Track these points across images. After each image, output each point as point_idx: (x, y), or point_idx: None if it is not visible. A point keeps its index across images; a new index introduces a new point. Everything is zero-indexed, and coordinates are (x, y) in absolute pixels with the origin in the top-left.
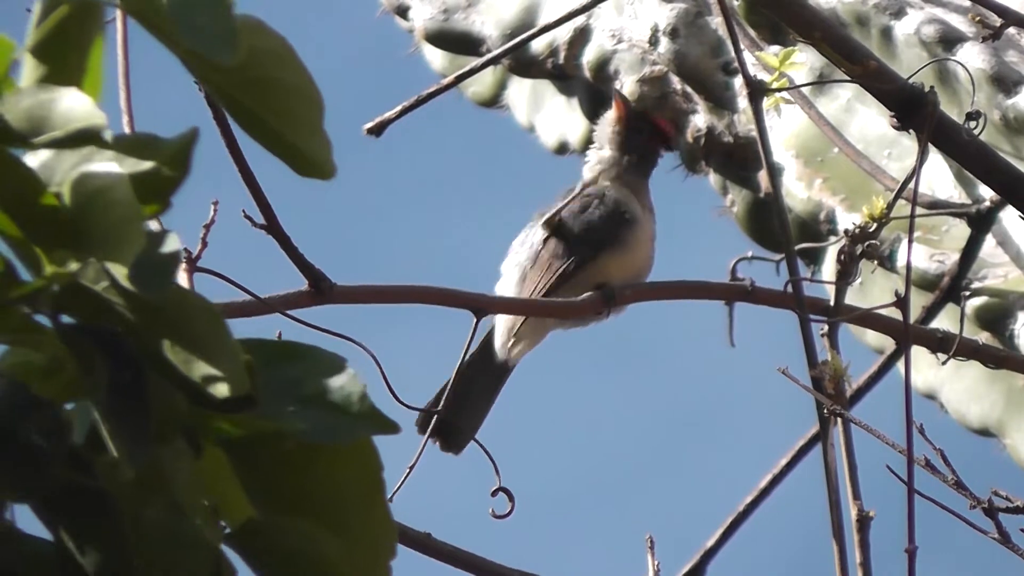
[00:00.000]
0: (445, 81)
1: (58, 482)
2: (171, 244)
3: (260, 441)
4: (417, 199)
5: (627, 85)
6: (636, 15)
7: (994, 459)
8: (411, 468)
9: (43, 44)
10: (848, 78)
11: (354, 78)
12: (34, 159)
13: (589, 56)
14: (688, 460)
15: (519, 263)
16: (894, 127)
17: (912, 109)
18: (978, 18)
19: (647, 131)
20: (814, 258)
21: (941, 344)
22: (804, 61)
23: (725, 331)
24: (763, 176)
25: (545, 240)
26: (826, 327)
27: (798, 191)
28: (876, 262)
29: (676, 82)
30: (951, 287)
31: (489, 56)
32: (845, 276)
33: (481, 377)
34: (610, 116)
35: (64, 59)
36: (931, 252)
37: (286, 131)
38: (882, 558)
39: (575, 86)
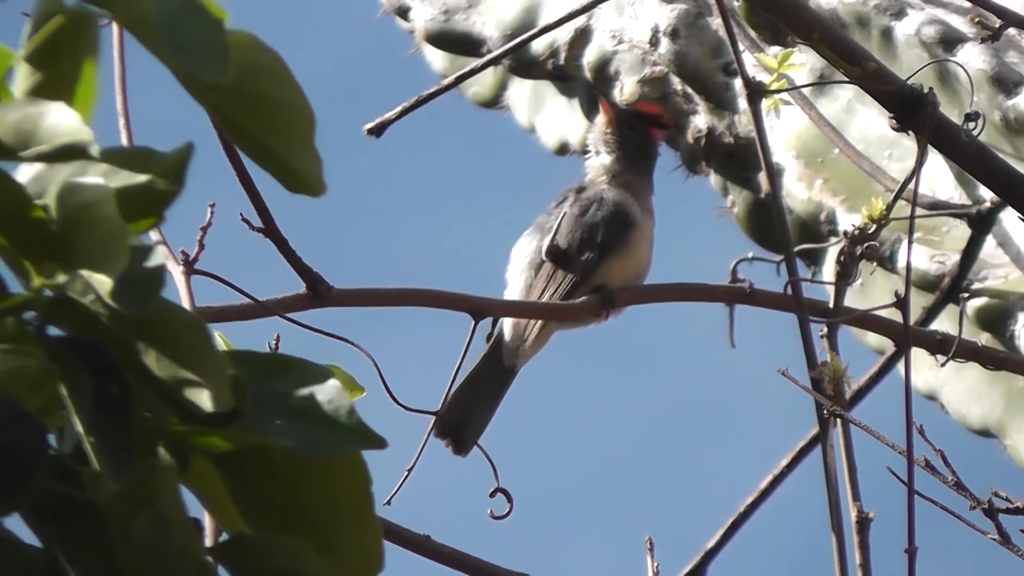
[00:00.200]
0: (445, 82)
1: (45, 493)
2: (156, 259)
3: (249, 455)
4: (417, 200)
5: (628, 86)
6: (637, 16)
7: (994, 460)
8: (409, 470)
9: (37, 54)
10: (847, 79)
11: (355, 79)
12: (25, 172)
13: (590, 57)
14: (688, 461)
15: (523, 270)
16: (893, 128)
17: (912, 110)
18: (977, 19)
19: (639, 128)
20: (815, 259)
21: (940, 346)
22: (804, 62)
23: (725, 332)
24: (763, 177)
25: (547, 252)
26: (826, 328)
27: (798, 192)
28: (876, 263)
29: (676, 83)
30: (951, 288)
31: (489, 57)
32: (845, 277)
33: (487, 380)
34: (600, 121)
35: (58, 69)
36: (931, 253)
37: (277, 147)
38: (882, 559)
39: (576, 87)
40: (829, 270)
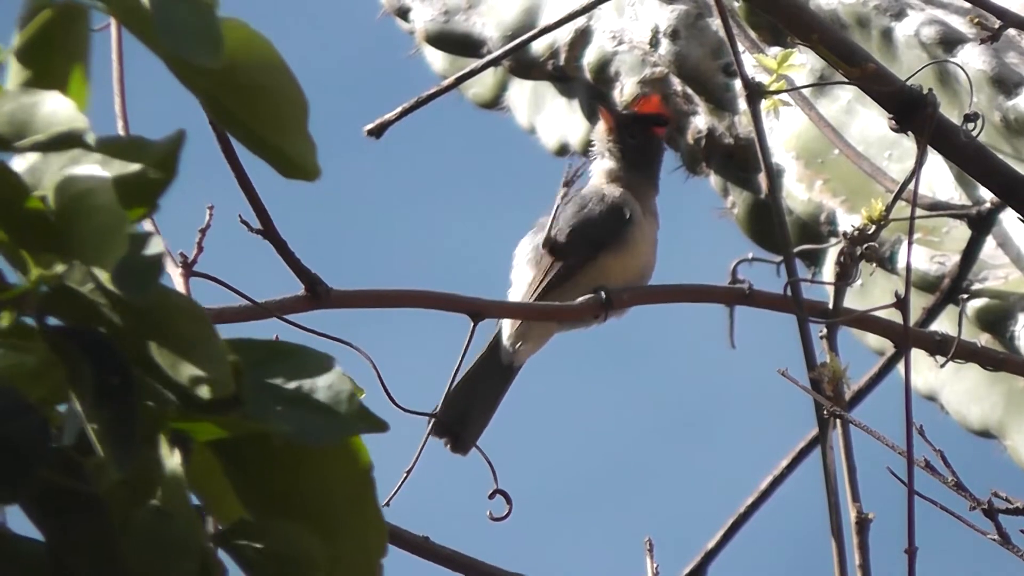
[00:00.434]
0: (446, 82)
1: (46, 484)
2: (154, 247)
3: (248, 442)
4: (417, 201)
5: (628, 87)
6: (637, 16)
7: (994, 460)
8: (408, 472)
9: (27, 48)
10: (847, 80)
11: (355, 79)
12: (21, 163)
13: (590, 57)
14: (688, 462)
15: (523, 269)
16: (893, 129)
17: (911, 111)
18: (977, 20)
19: (639, 133)
20: (815, 259)
21: (940, 346)
22: (803, 63)
23: (725, 333)
24: (763, 178)
25: (543, 244)
26: (825, 329)
27: (799, 192)
28: (876, 264)
29: (677, 84)
30: (951, 289)
31: (490, 57)
32: (844, 278)
33: (487, 379)
34: (600, 130)
35: (49, 63)
36: (931, 254)
37: (270, 133)
38: (882, 559)
39: (576, 88)
40: (829, 271)
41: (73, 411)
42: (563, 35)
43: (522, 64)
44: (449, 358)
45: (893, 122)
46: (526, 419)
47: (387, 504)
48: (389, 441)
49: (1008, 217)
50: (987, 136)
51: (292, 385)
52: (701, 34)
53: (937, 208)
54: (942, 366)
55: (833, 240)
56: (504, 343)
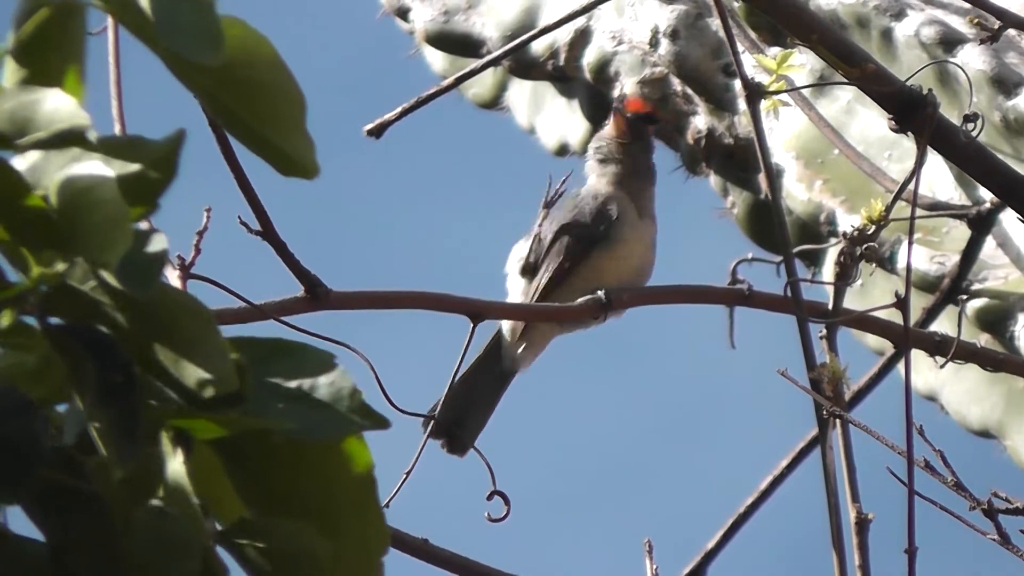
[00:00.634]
0: (445, 83)
1: (47, 483)
2: (158, 243)
3: (249, 439)
4: (417, 201)
5: (627, 87)
6: (636, 17)
7: (994, 460)
8: (408, 473)
9: (23, 46)
10: (846, 80)
11: (354, 79)
12: (21, 161)
13: (589, 58)
14: (687, 462)
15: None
16: (893, 130)
17: (911, 111)
18: (976, 20)
19: (640, 131)
20: (815, 260)
21: (939, 347)
22: (803, 63)
23: (725, 333)
24: (763, 178)
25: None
26: (825, 329)
27: (798, 193)
28: (876, 264)
29: (676, 84)
30: (951, 289)
31: (489, 58)
32: (844, 278)
33: (485, 382)
34: (608, 130)
35: (45, 62)
36: (931, 254)
37: (268, 131)
38: (882, 559)
39: (576, 88)
40: (829, 271)
41: (74, 410)
42: (563, 35)
43: (522, 64)
44: (448, 359)
45: (893, 122)
46: (525, 420)
47: (386, 506)
48: (388, 443)
49: (1008, 217)
50: (987, 136)
51: (293, 382)
52: (701, 34)
53: (937, 208)
54: (942, 366)
55: (833, 240)
56: (504, 348)
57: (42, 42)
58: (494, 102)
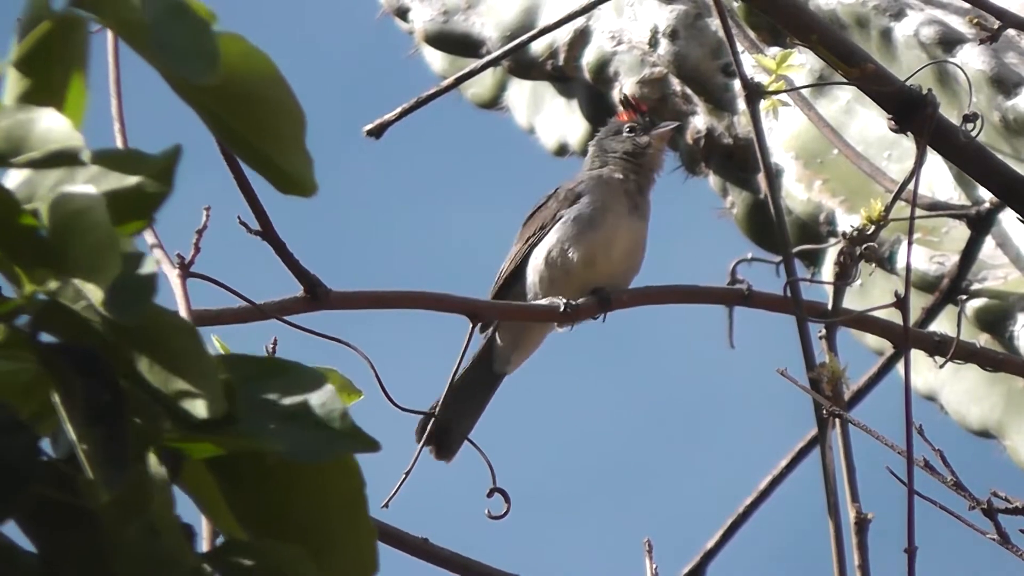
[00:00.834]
0: (445, 83)
1: (40, 499)
2: (148, 266)
3: (242, 459)
4: (416, 201)
5: (627, 86)
6: (636, 17)
7: (993, 460)
8: (407, 473)
9: (26, 59)
10: (846, 80)
11: (354, 79)
12: (13, 177)
13: (589, 58)
14: (687, 462)
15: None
16: (892, 130)
17: (911, 111)
18: (976, 20)
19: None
20: (814, 259)
21: (938, 347)
22: (803, 63)
23: (725, 333)
24: (762, 178)
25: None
26: (824, 329)
27: (798, 192)
28: (875, 264)
29: (676, 84)
30: (951, 289)
31: (489, 58)
32: (844, 278)
33: (475, 387)
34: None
35: (47, 74)
36: (931, 254)
37: (267, 149)
38: (881, 559)
39: (575, 88)
40: (828, 271)
41: (63, 431)
42: (562, 35)
43: (521, 64)
44: (448, 359)
45: (892, 122)
46: (526, 418)
47: (386, 505)
48: (387, 442)
49: (1007, 217)
50: (986, 136)
51: (285, 402)
52: (700, 34)
53: (936, 208)
54: (941, 366)
55: (832, 240)
56: (496, 350)
57: (44, 55)
58: (493, 102)
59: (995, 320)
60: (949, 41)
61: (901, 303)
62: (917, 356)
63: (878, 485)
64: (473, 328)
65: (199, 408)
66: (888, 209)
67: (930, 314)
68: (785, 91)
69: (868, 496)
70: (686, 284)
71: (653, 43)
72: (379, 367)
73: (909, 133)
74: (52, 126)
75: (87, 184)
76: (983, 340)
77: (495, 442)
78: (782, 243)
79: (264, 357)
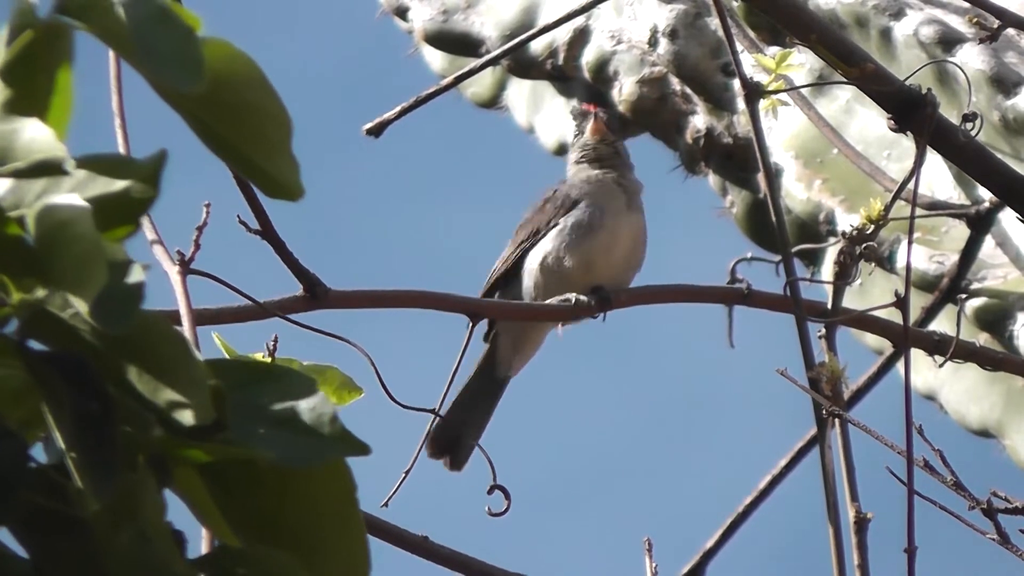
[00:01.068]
0: (444, 82)
1: (30, 507)
2: (135, 276)
3: (233, 465)
4: (416, 201)
5: (626, 86)
6: (635, 16)
7: (993, 460)
8: (407, 472)
9: (10, 68)
10: (845, 80)
11: (353, 79)
12: (0, 186)
13: (588, 57)
14: (686, 461)
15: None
16: (892, 129)
17: (910, 111)
18: (975, 19)
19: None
20: (814, 259)
21: (938, 346)
22: (802, 63)
23: (724, 332)
24: (761, 178)
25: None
26: (824, 328)
27: (798, 192)
28: (875, 263)
29: (675, 83)
30: (950, 288)
31: (488, 57)
32: (843, 277)
33: (481, 395)
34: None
35: (32, 82)
36: (931, 253)
37: (253, 153)
38: (881, 559)
39: (574, 87)
40: (828, 270)
41: (52, 435)
42: (562, 34)
43: (521, 63)
44: (447, 358)
45: (892, 122)
46: (526, 416)
47: (386, 504)
48: (388, 440)
49: (1007, 217)
50: (986, 136)
51: (275, 408)
52: (700, 34)
53: (936, 208)
54: (941, 366)
55: (832, 240)
56: (498, 357)
57: (28, 64)
58: (493, 101)
59: (995, 319)
60: (949, 40)
61: (901, 303)
62: (917, 355)
63: (878, 485)
64: (473, 328)
65: (188, 415)
66: (888, 208)
67: (930, 313)
68: (784, 91)
69: (868, 496)
70: (686, 283)
71: (653, 42)
72: (379, 366)
73: (909, 133)
74: (36, 136)
75: (73, 192)
76: (983, 339)
77: (496, 440)
78: (781, 243)
79: (253, 362)
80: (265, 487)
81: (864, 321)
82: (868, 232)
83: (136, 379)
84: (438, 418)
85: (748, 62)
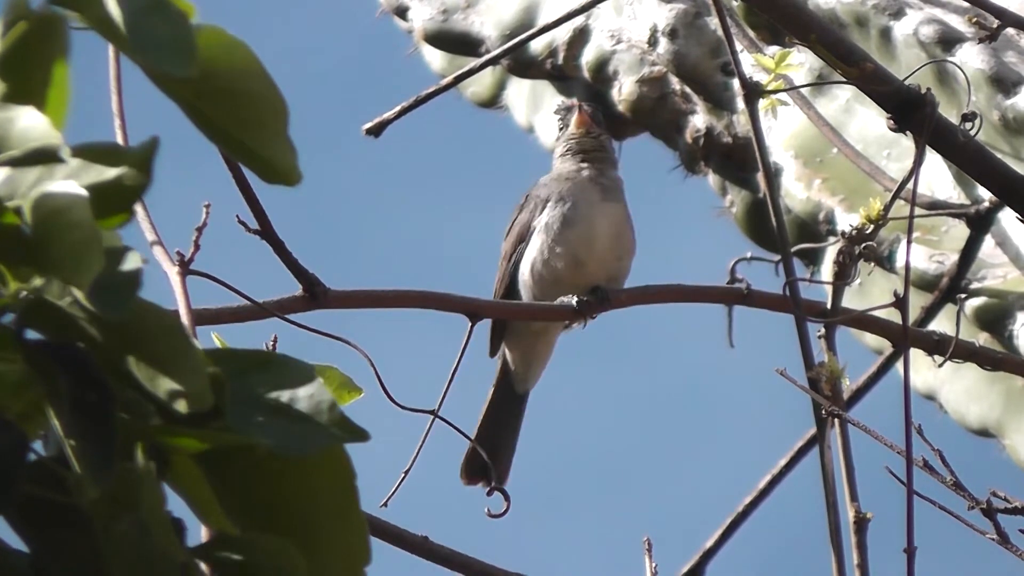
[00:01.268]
0: (444, 82)
1: (29, 497)
2: (132, 262)
3: (231, 453)
4: (415, 200)
5: (626, 86)
6: (635, 16)
7: (993, 460)
8: (406, 473)
9: (5, 61)
10: (845, 80)
11: (353, 78)
12: None
13: (588, 57)
14: (686, 461)
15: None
16: (892, 129)
17: (910, 111)
18: (975, 19)
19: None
20: (814, 259)
21: (938, 346)
22: (802, 62)
23: (724, 332)
24: (761, 177)
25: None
26: (823, 328)
27: (797, 191)
28: (874, 263)
29: (675, 83)
30: (950, 288)
31: (488, 56)
32: (843, 277)
33: (506, 415)
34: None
35: (27, 74)
36: (930, 253)
37: (250, 140)
38: (880, 558)
39: (574, 87)
40: (828, 270)
41: (51, 427)
42: (562, 34)
43: (520, 63)
44: (447, 358)
45: (891, 121)
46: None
47: (385, 504)
48: (387, 441)
49: (1007, 216)
50: (986, 135)
51: (273, 395)
52: (699, 33)
53: (936, 207)
54: (940, 365)
55: (832, 239)
56: (511, 372)
57: (23, 55)
58: (493, 101)
59: (994, 319)
60: (948, 40)
61: (900, 302)
62: (916, 355)
63: (877, 485)
64: (472, 327)
65: (185, 402)
66: (887, 208)
67: (929, 313)
68: (784, 90)
69: (867, 496)
70: (685, 283)
71: (652, 42)
72: (379, 366)
73: (908, 132)
74: (31, 124)
75: (68, 180)
76: (982, 339)
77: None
78: (781, 243)
79: (253, 351)
80: (263, 475)
81: (864, 321)
82: (868, 232)
83: (134, 367)
84: (467, 441)
85: (748, 62)
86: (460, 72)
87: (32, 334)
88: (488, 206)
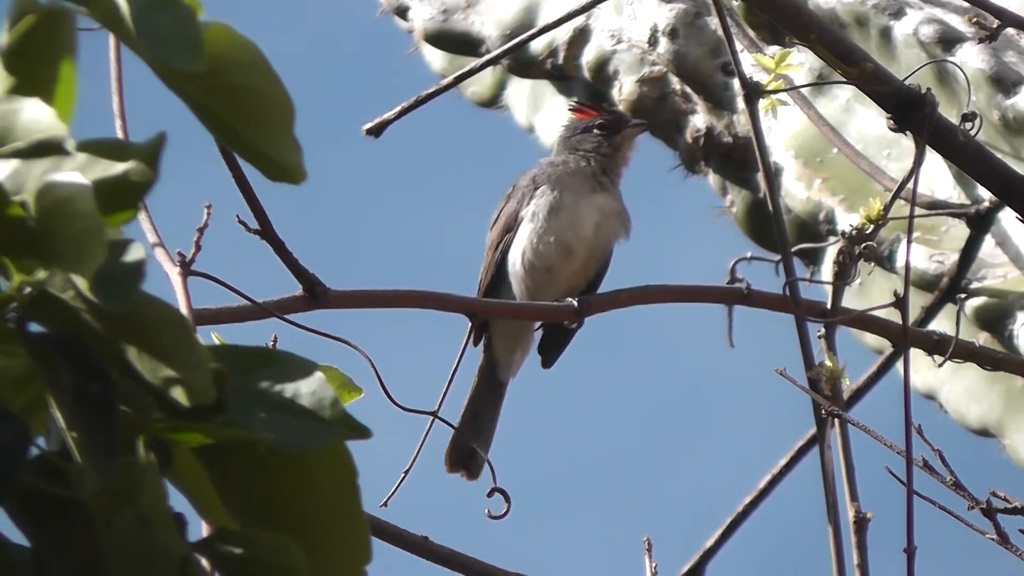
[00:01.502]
0: (444, 82)
1: (31, 491)
2: (134, 254)
3: (232, 449)
4: (415, 200)
5: (626, 85)
6: (635, 15)
7: (993, 460)
8: (406, 472)
9: (12, 54)
10: (845, 80)
11: (353, 78)
12: (2, 170)
13: (588, 56)
14: (686, 461)
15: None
16: (892, 129)
17: (910, 110)
18: (975, 19)
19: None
20: (814, 259)
21: (938, 346)
22: (802, 62)
23: (724, 332)
24: (761, 177)
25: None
26: (823, 328)
27: (797, 191)
28: (874, 263)
29: (675, 82)
30: (950, 287)
31: (488, 56)
32: (843, 277)
33: (486, 403)
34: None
35: (35, 68)
36: (930, 252)
37: (256, 137)
38: (881, 559)
39: (574, 86)
40: (828, 270)
41: (54, 419)
42: (562, 34)
43: (521, 63)
44: (447, 358)
45: (892, 121)
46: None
47: (385, 504)
48: (387, 441)
49: (1007, 216)
50: (986, 135)
51: (275, 391)
52: (700, 33)
53: (936, 207)
54: (940, 365)
55: (832, 239)
56: (499, 361)
57: (30, 49)
58: (493, 101)
59: (994, 319)
60: (948, 40)
61: (900, 302)
62: (916, 355)
63: (877, 485)
64: (472, 327)
65: (187, 396)
66: (887, 208)
67: (929, 313)
68: (784, 90)
69: (867, 496)
70: (685, 283)
71: (652, 42)
72: (379, 366)
73: (908, 132)
74: (36, 116)
75: (73, 172)
76: (982, 339)
77: (496, 440)
78: (781, 242)
79: (254, 347)
80: (265, 471)
81: (864, 321)
82: (868, 232)
83: (137, 360)
84: (452, 430)
85: (748, 62)
86: (460, 72)
87: (35, 327)
88: (488, 206)
